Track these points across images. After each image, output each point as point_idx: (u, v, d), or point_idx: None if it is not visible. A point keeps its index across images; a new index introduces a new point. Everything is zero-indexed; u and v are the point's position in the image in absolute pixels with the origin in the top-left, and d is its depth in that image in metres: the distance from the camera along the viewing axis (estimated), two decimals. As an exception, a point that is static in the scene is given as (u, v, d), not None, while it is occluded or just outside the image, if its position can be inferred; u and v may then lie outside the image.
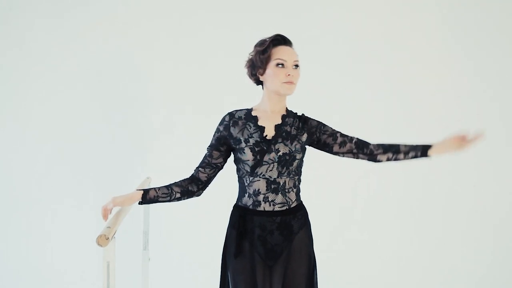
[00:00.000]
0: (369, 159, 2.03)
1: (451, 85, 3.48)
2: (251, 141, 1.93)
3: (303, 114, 2.05)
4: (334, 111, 3.46)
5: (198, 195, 2.03)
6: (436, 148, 2.00)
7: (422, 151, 1.99)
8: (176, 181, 1.99)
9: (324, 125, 2.04)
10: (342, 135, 2.04)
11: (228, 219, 2.04)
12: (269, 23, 3.32)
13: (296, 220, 1.97)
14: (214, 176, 2.02)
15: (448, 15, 3.47)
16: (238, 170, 2.00)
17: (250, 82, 2.09)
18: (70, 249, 3.34)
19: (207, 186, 2.03)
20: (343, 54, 3.42)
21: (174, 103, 3.38)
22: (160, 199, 1.95)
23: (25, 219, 3.32)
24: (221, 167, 2.03)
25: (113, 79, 3.33)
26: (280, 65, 1.93)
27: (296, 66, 1.96)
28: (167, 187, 1.97)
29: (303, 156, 1.99)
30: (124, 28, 3.33)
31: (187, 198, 2.00)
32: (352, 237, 3.48)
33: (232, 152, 2.01)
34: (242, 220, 1.96)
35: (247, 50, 2.07)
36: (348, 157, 2.04)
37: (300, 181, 2.02)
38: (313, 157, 3.44)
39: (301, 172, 2.01)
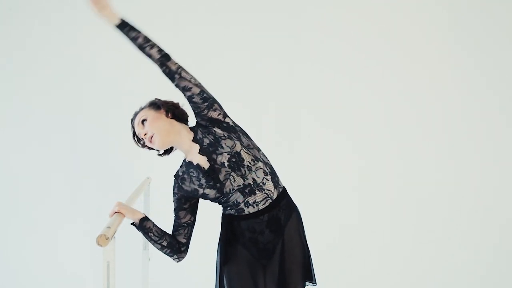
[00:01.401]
0: (168, 59, 1.99)
1: (451, 84, 3.48)
2: (203, 182, 1.92)
3: (196, 122, 2.02)
4: (334, 110, 3.47)
5: (179, 259, 2.05)
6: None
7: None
8: (170, 234, 2.03)
9: (193, 109, 1.99)
10: (183, 92, 1.98)
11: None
12: (269, 23, 3.32)
13: (282, 211, 1.95)
14: (191, 233, 2.04)
15: (448, 15, 3.47)
16: (218, 203, 2.01)
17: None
18: (70, 249, 3.33)
19: (188, 247, 2.05)
20: (343, 54, 3.42)
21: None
22: (150, 234, 1.98)
23: (25, 219, 3.32)
24: (193, 222, 2.04)
25: (113, 79, 3.33)
26: (142, 142, 2.01)
27: (143, 121, 1.98)
28: (162, 231, 2.00)
29: (243, 141, 1.93)
30: (120, 35, 3.33)
31: (168, 253, 2.03)
32: (352, 237, 3.48)
33: (198, 201, 2.02)
34: (230, 226, 1.96)
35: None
36: (183, 72, 1.98)
37: (269, 164, 1.96)
38: (313, 156, 3.46)
39: (260, 156, 1.95)
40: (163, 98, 2.05)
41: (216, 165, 1.90)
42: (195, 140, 1.96)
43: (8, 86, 3.31)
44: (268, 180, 1.92)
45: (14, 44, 3.29)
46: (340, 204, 3.47)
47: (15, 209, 3.32)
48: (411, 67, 3.46)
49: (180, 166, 2.03)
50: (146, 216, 1.98)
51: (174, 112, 2.02)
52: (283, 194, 1.97)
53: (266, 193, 1.92)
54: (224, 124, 1.95)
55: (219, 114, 1.96)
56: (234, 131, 1.94)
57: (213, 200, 1.96)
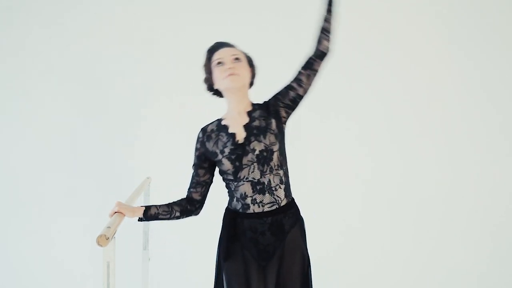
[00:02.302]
0: (322, 59, 1.97)
1: (451, 85, 3.48)
2: (226, 150, 1.93)
3: (264, 101, 2.03)
4: (334, 110, 3.47)
5: (197, 214, 2.06)
6: None
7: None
8: (175, 201, 2.02)
9: (279, 92, 2.00)
10: (293, 80, 1.99)
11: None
12: (269, 23, 3.32)
13: (287, 218, 1.96)
14: (207, 192, 2.05)
15: (448, 16, 3.47)
16: (223, 178, 2.01)
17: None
18: (70, 249, 3.34)
19: (203, 203, 2.06)
20: (343, 54, 3.42)
21: (174, 103, 3.38)
22: (161, 216, 1.98)
23: (25, 219, 3.32)
24: (211, 182, 2.05)
25: (114, 80, 3.33)
26: (220, 64, 1.96)
27: (237, 59, 1.97)
28: (167, 205, 2.00)
29: (281, 146, 1.96)
30: (124, 28, 3.33)
31: (186, 217, 2.03)
32: (351, 237, 3.48)
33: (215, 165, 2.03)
34: (233, 223, 1.96)
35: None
36: (313, 79, 1.97)
37: (287, 176, 1.99)
38: (312, 156, 3.46)
39: (285, 164, 1.98)
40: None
41: (248, 147, 1.91)
42: (249, 113, 1.98)
43: (8, 86, 3.31)
44: (281, 188, 1.94)
45: (14, 44, 3.29)
46: (341, 207, 3.47)
47: (15, 209, 3.32)
48: (411, 67, 3.45)
49: (211, 123, 2.03)
50: (146, 207, 1.98)
51: (253, 79, 2.05)
52: (291, 204, 1.99)
53: (275, 198, 1.93)
54: (280, 125, 1.98)
55: (284, 117, 2.00)
56: (282, 135, 1.98)
57: (223, 173, 1.96)
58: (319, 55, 1.97)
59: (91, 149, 3.32)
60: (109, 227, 1.65)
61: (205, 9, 3.37)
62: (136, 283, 2.97)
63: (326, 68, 3.33)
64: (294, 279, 1.95)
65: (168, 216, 1.99)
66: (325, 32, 1.96)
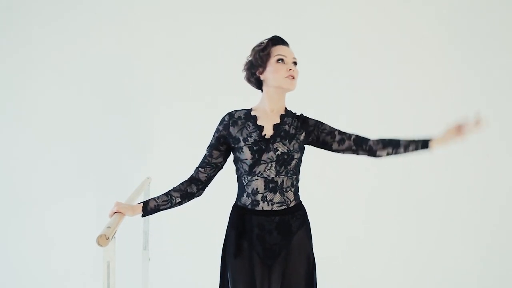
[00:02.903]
0: (369, 155, 2.04)
1: (449, 85, 3.48)
2: (250, 140, 1.94)
3: (302, 114, 2.07)
4: (333, 110, 3.47)
5: (199, 195, 2.04)
6: (437, 140, 1.99)
7: (423, 143, 2.00)
8: (174, 187, 2.01)
9: (322, 124, 2.05)
10: (340, 132, 2.04)
11: (228, 219, 2.05)
12: (269, 23, 3.32)
13: (294, 219, 1.98)
14: (214, 176, 2.03)
15: (447, 15, 3.47)
16: (237, 169, 2.01)
17: (248, 83, 2.09)
18: (70, 249, 3.34)
19: (207, 186, 2.04)
20: (343, 54, 3.42)
21: (174, 103, 3.38)
22: (162, 207, 1.96)
23: (26, 219, 3.32)
24: (221, 167, 2.04)
25: (113, 80, 3.33)
26: (281, 61, 1.97)
27: (295, 63, 2.01)
28: (165, 194, 1.98)
29: (301, 156, 2.01)
30: (123, 28, 3.33)
31: (188, 201, 2.01)
32: (351, 237, 3.48)
33: (231, 152, 2.03)
34: (241, 219, 1.96)
35: (248, 50, 2.08)
36: (348, 153, 2.05)
37: (298, 180, 2.03)
38: (313, 156, 3.45)
39: (299, 172, 2.02)
40: None
41: (272, 145, 1.94)
42: (282, 116, 2.01)
43: (8, 86, 3.31)
44: (291, 191, 1.98)
45: (14, 44, 3.29)
46: (340, 204, 3.47)
47: (15, 209, 3.32)
48: (410, 66, 3.45)
49: (239, 110, 2.05)
50: (144, 202, 1.96)
51: None
52: (300, 206, 2.02)
53: (284, 199, 1.96)
54: (306, 142, 2.02)
55: (309, 141, 2.04)
56: (303, 151, 2.02)
57: (239, 161, 1.97)
58: (372, 152, 2.03)
59: (91, 149, 3.32)
60: (109, 227, 1.65)
61: (205, 10, 3.36)
62: (136, 283, 2.97)
63: (325, 69, 3.32)
64: (299, 280, 1.95)
65: (169, 204, 1.97)
66: (395, 151, 2.02)
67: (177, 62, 3.36)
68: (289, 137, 1.96)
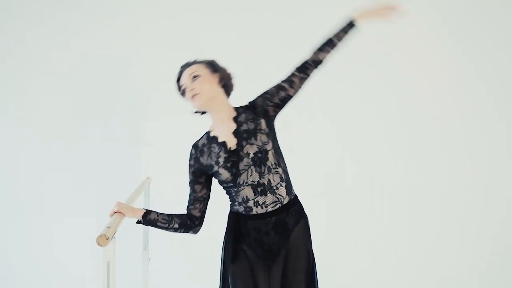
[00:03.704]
0: (316, 67, 1.99)
1: (448, 84, 3.48)
2: (221, 160, 1.93)
3: (249, 102, 2.02)
4: (334, 111, 3.47)
5: (195, 232, 2.05)
6: (359, 15, 2.02)
7: (349, 24, 2.01)
8: (177, 213, 2.02)
9: (267, 92, 2.00)
10: (285, 80, 1.99)
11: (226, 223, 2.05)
12: (268, 24, 3.32)
13: (290, 216, 1.96)
14: (206, 208, 2.04)
15: (446, 16, 3.47)
16: (223, 187, 2.01)
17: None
18: (70, 249, 3.34)
19: (203, 220, 2.04)
20: (342, 54, 3.42)
21: (174, 103, 3.37)
22: (159, 223, 1.97)
23: (26, 219, 3.32)
24: (209, 197, 2.04)
25: (113, 80, 3.33)
26: (182, 93, 1.99)
27: (194, 77, 1.96)
28: (168, 214, 1.99)
29: (274, 144, 1.95)
30: (123, 30, 3.33)
31: (184, 232, 2.02)
32: (350, 237, 3.48)
33: (212, 177, 2.02)
34: (237, 225, 1.96)
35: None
36: (304, 83, 1.99)
37: (287, 173, 1.99)
38: (312, 156, 3.46)
39: (282, 162, 1.97)
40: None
41: (242, 152, 1.91)
42: (235, 119, 1.97)
43: (9, 86, 3.31)
44: (282, 186, 1.94)
45: (14, 44, 3.29)
46: (338, 202, 3.47)
47: (15, 209, 3.32)
48: (408, 66, 3.45)
49: (201, 138, 2.03)
50: (147, 210, 1.97)
51: (226, 82, 2.02)
52: (294, 201, 1.99)
53: (277, 198, 1.93)
54: (271, 123, 1.98)
55: (272, 115, 1.99)
56: (273, 133, 1.98)
57: (222, 183, 1.96)
58: (316, 62, 1.98)
59: (91, 149, 3.32)
60: (109, 227, 1.65)
61: (205, 10, 3.37)
62: (136, 283, 2.97)
63: (325, 69, 3.31)
64: (299, 277, 1.95)
65: (167, 225, 1.97)
66: (330, 45, 1.98)
67: (177, 62, 3.35)
68: (253, 134, 1.93)
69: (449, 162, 3.50)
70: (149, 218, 1.96)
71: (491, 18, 3.48)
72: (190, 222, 2.01)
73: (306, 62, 1.98)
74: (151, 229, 2.86)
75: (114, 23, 3.33)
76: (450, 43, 3.48)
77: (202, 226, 2.05)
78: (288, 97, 1.99)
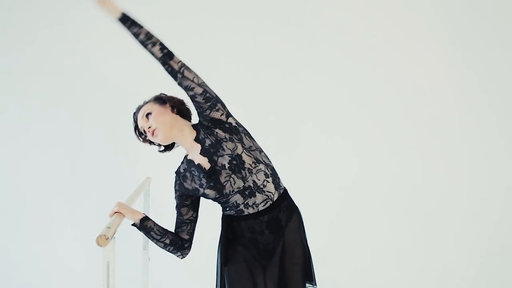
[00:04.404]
0: (164, 59, 1.93)
1: (446, 84, 3.48)
2: (204, 182, 1.92)
3: (198, 121, 2.00)
4: (334, 111, 3.47)
5: (183, 255, 2.05)
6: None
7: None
8: (172, 231, 2.02)
9: (196, 109, 1.97)
10: (184, 89, 1.95)
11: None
12: (267, 25, 3.32)
13: (282, 212, 1.94)
14: (194, 230, 2.04)
15: (445, 15, 3.47)
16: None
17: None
18: (70, 249, 3.34)
19: (191, 243, 2.04)
20: (342, 54, 3.43)
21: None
22: (152, 233, 1.97)
23: (26, 218, 3.33)
24: (196, 218, 2.04)
25: (113, 79, 3.33)
26: (142, 134, 2.01)
27: (147, 115, 1.97)
28: (164, 229, 1.99)
29: (244, 144, 1.91)
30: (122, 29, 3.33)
31: (172, 251, 2.01)
32: (349, 236, 3.49)
33: (199, 198, 2.02)
34: (230, 227, 1.96)
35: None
36: (174, 63, 1.93)
37: (271, 166, 1.95)
38: (310, 156, 3.46)
39: (261, 158, 1.94)
40: (168, 94, 2.03)
41: (217, 166, 1.90)
42: (197, 139, 1.95)
43: (9, 86, 3.31)
44: (269, 182, 1.92)
45: (14, 44, 3.29)
46: (336, 202, 3.47)
47: (15, 209, 3.32)
48: (408, 71, 3.46)
49: (182, 163, 2.03)
50: (146, 216, 1.98)
51: (179, 108, 2.01)
52: (284, 195, 1.96)
53: (267, 195, 1.91)
54: (227, 125, 1.93)
55: (221, 115, 1.94)
56: (237, 132, 1.93)
57: (213, 200, 1.96)
58: (164, 59, 1.92)
59: (91, 149, 3.32)
60: (109, 227, 1.65)
61: (205, 11, 3.37)
62: (136, 283, 2.97)
63: (320, 72, 3.30)
64: (296, 273, 1.95)
65: (159, 237, 1.97)
66: (145, 43, 1.93)
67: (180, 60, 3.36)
68: (218, 145, 1.90)
69: (446, 161, 3.50)
70: (145, 224, 1.96)
71: (491, 18, 3.49)
72: (180, 242, 2.01)
73: (165, 68, 1.93)
74: (151, 229, 2.87)
75: (114, 23, 3.33)
76: (451, 44, 3.48)
77: (203, 210, 2.05)
78: (203, 94, 1.91)
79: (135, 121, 2.03)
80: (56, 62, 3.30)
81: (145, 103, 2.04)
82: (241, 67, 3.30)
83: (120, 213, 1.89)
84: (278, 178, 1.97)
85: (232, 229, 1.96)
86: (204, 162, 1.92)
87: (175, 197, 2.02)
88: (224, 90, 3.26)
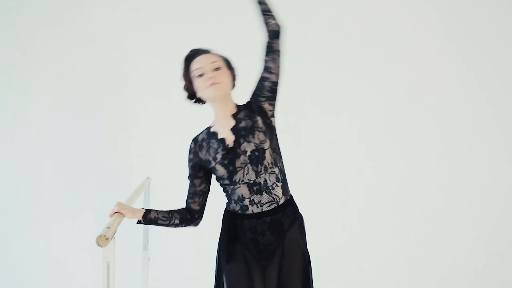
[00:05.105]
0: (277, 37, 1.94)
1: (449, 84, 3.48)
2: (218, 157, 1.93)
3: (247, 101, 2.02)
4: (335, 109, 3.47)
5: (196, 225, 2.06)
6: None
7: None
8: (176, 209, 2.03)
9: (255, 89, 1.99)
10: (263, 71, 1.97)
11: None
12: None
13: (286, 217, 1.95)
14: (205, 201, 2.05)
15: (446, 15, 3.47)
16: (220, 184, 2.01)
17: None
18: (70, 249, 3.34)
19: (203, 213, 2.05)
20: (342, 54, 3.43)
21: (174, 103, 3.37)
22: (160, 221, 1.98)
23: (26, 219, 3.32)
24: (208, 191, 2.05)
25: (113, 80, 3.34)
26: (199, 75, 1.95)
27: (217, 68, 1.94)
28: (167, 211, 2.00)
29: (272, 143, 1.95)
30: (123, 28, 3.33)
31: (185, 226, 2.03)
32: (349, 237, 3.49)
33: (210, 172, 2.02)
34: (232, 224, 1.96)
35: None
36: (279, 59, 1.95)
37: (283, 173, 1.98)
38: (311, 156, 3.46)
39: (279, 162, 1.97)
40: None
41: (239, 149, 1.91)
42: (234, 116, 1.97)
43: (9, 86, 3.31)
44: (278, 186, 1.94)
45: (13, 44, 3.29)
46: (337, 202, 3.47)
47: (15, 209, 3.32)
48: (412, 67, 3.46)
49: (201, 133, 2.04)
50: (146, 210, 1.97)
51: (234, 81, 2.03)
52: (290, 202, 1.98)
53: (273, 197, 1.93)
54: (268, 121, 1.97)
55: (270, 110, 1.98)
56: (271, 131, 1.97)
57: (218, 179, 1.96)
58: (273, 35, 1.95)
59: (92, 149, 3.32)
60: (109, 227, 1.65)
61: (205, 10, 3.37)
62: (136, 283, 2.97)
63: (327, 67, 3.31)
64: (295, 278, 1.95)
65: (167, 222, 1.99)
66: (266, 13, 1.95)
67: (177, 62, 3.35)
68: (250, 132, 1.92)
69: (449, 162, 3.50)
70: (149, 218, 1.96)
71: (491, 18, 3.49)
72: (190, 216, 2.02)
73: (267, 42, 1.96)
74: (151, 229, 2.87)
75: (114, 23, 3.33)
76: (454, 45, 3.48)
77: (203, 218, 2.06)
78: (274, 84, 1.97)
79: (195, 56, 1.98)
80: (56, 62, 3.30)
81: (211, 52, 2.01)
82: (240, 64, 3.30)
83: (120, 213, 1.89)
84: (287, 186, 2.00)
85: (234, 227, 1.96)
86: (230, 139, 1.94)
87: (189, 167, 2.02)
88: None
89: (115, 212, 1.89)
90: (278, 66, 1.96)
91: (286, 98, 3.44)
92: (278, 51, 1.95)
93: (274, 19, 1.95)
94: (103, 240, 1.54)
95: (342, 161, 3.47)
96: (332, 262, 3.33)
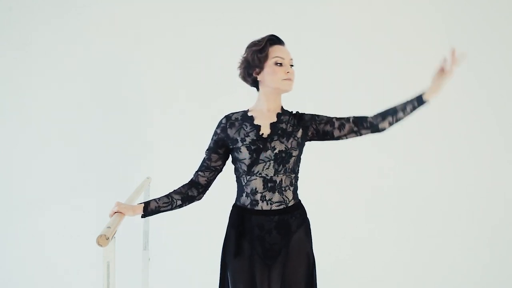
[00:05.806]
0: (372, 131, 2.01)
1: (450, 85, 3.47)
2: (247, 139, 1.95)
3: (297, 112, 2.07)
4: (334, 110, 3.47)
5: (199, 199, 2.05)
6: (430, 90, 2.00)
7: (418, 100, 1.99)
8: (175, 189, 2.02)
9: (319, 116, 2.05)
10: (338, 118, 2.03)
11: (228, 219, 2.05)
12: (265, 22, 3.32)
13: (294, 219, 1.98)
14: (214, 179, 2.05)
15: (446, 15, 3.47)
16: (236, 170, 2.02)
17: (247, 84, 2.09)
18: (70, 249, 3.34)
19: (207, 189, 2.05)
20: (342, 53, 3.43)
21: (174, 103, 3.38)
22: (162, 209, 1.97)
23: (26, 219, 3.32)
24: (220, 170, 2.05)
25: (113, 80, 3.33)
26: (279, 64, 1.96)
27: (292, 65, 2.01)
28: (167, 196, 1.99)
29: (299, 154, 2.00)
30: (123, 28, 3.33)
31: (188, 204, 2.02)
32: (353, 237, 3.49)
33: (230, 153, 2.03)
34: (241, 219, 1.96)
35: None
36: (352, 137, 2.02)
37: (298, 179, 2.03)
38: (314, 157, 3.45)
39: (298, 170, 2.02)
40: None
41: (269, 144, 1.94)
42: (278, 115, 2.01)
43: (10, 85, 3.31)
44: (290, 190, 1.98)
45: (13, 44, 3.29)
46: (341, 205, 3.47)
47: (15, 209, 3.32)
48: (412, 68, 3.45)
49: (236, 112, 2.05)
50: (145, 203, 1.97)
51: None
52: (298, 205, 2.02)
53: (283, 198, 1.96)
54: (304, 138, 2.00)
55: (309, 136, 2.02)
56: (302, 147, 2.01)
57: (237, 161, 1.97)
58: (374, 127, 2.00)
59: (91, 149, 3.32)
60: (109, 227, 1.65)
61: (206, 10, 3.36)
62: (136, 283, 2.97)
63: (324, 68, 3.30)
64: (299, 280, 1.96)
65: (170, 206, 1.98)
66: (395, 118, 1.99)
67: (177, 62, 3.36)
68: (287, 135, 1.96)
69: (451, 164, 3.50)
70: (150, 209, 1.96)
71: (491, 18, 3.49)
72: (191, 193, 2.01)
73: (365, 120, 2.01)
74: (151, 229, 2.88)
75: (113, 23, 3.33)
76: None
77: (203, 210, 2.07)
78: (330, 136, 2.02)
79: (274, 43, 2.00)
80: (56, 62, 3.30)
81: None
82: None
83: (120, 212, 1.89)
84: (297, 193, 2.04)
85: (243, 222, 1.97)
86: (265, 130, 1.97)
87: (212, 140, 2.03)
88: (225, 86, 3.29)
89: (115, 212, 1.90)
90: (346, 135, 2.02)
91: (287, 100, 3.47)
92: (360, 134, 2.01)
93: (390, 125, 2.00)
94: (103, 239, 1.54)
95: (342, 162, 3.47)
96: (335, 267, 3.33)
